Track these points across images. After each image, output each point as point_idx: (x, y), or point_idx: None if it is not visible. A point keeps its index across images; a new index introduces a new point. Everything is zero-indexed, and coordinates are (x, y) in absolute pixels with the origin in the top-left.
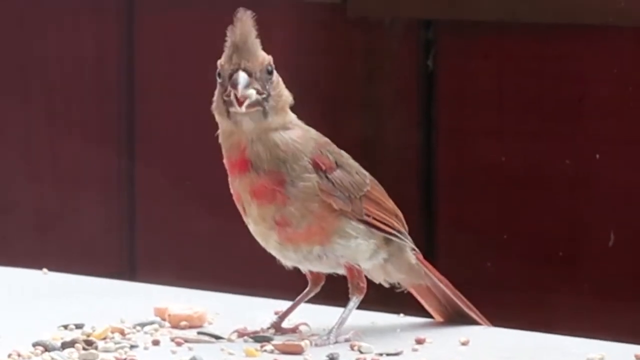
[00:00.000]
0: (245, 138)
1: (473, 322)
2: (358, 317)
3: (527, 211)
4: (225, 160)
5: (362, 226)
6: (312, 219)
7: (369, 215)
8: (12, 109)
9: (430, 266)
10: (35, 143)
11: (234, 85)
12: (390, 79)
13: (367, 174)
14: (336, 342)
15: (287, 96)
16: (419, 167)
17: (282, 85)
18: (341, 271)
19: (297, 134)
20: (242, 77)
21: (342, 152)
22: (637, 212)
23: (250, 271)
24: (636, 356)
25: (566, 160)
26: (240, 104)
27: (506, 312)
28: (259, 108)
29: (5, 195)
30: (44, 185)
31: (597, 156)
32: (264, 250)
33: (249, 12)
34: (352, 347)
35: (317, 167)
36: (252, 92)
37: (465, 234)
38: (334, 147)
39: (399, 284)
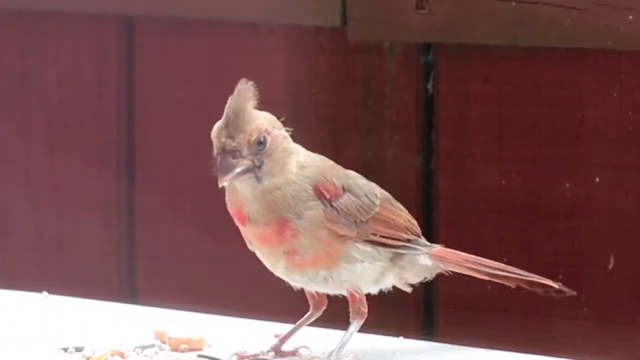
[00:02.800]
0: (241, 196)
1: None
2: (358, 340)
3: (526, 235)
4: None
5: (368, 248)
6: (319, 246)
7: (375, 235)
8: (12, 135)
9: (449, 255)
10: (35, 168)
11: (219, 171)
12: (389, 103)
13: (377, 193)
14: None
15: (287, 155)
16: (419, 191)
17: (280, 145)
18: (345, 292)
19: (295, 184)
20: (224, 165)
21: (350, 172)
22: (636, 236)
23: (250, 294)
24: None
25: (566, 184)
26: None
27: (506, 335)
28: (250, 175)
29: (5, 219)
30: (44, 209)
31: (597, 180)
32: (264, 274)
33: (249, 84)
34: None
35: (321, 195)
36: (236, 169)
37: None
38: (339, 169)
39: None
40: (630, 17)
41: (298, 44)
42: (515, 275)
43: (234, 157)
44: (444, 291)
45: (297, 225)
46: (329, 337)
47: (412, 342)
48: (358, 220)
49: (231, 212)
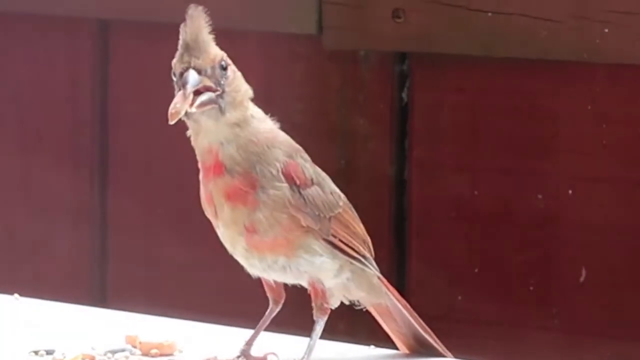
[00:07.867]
0: (215, 141)
1: (431, 349)
2: (328, 349)
3: (498, 246)
4: (199, 165)
5: (328, 246)
6: (279, 230)
7: (335, 237)
8: None
9: (390, 286)
10: (7, 170)
11: (184, 85)
12: (364, 111)
13: (342, 195)
14: None
15: (245, 90)
16: (391, 199)
17: (239, 80)
18: (304, 282)
19: (265, 126)
20: (191, 75)
21: (315, 165)
22: (608, 248)
23: (221, 300)
24: None
25: (538, 196)
26: (191, 104)
27: (477, 346)
28: (214, 106)
29: None
30: (16, 213)
31: (570, 192)
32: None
33: (200, 9)
34: None
35: (291, 180)
36: (201, 98)
37: (437, 268)
38: (306, 156)
39: (358, 301)
40: (606, 30)
41: (273, 51)
42: (427, 337)
43: (199, 73)
44: (416, 301)
45: (259, 198)
46: (297, 343)
47: (383, 351)
48: (322, 215)
49: (205, 165)
